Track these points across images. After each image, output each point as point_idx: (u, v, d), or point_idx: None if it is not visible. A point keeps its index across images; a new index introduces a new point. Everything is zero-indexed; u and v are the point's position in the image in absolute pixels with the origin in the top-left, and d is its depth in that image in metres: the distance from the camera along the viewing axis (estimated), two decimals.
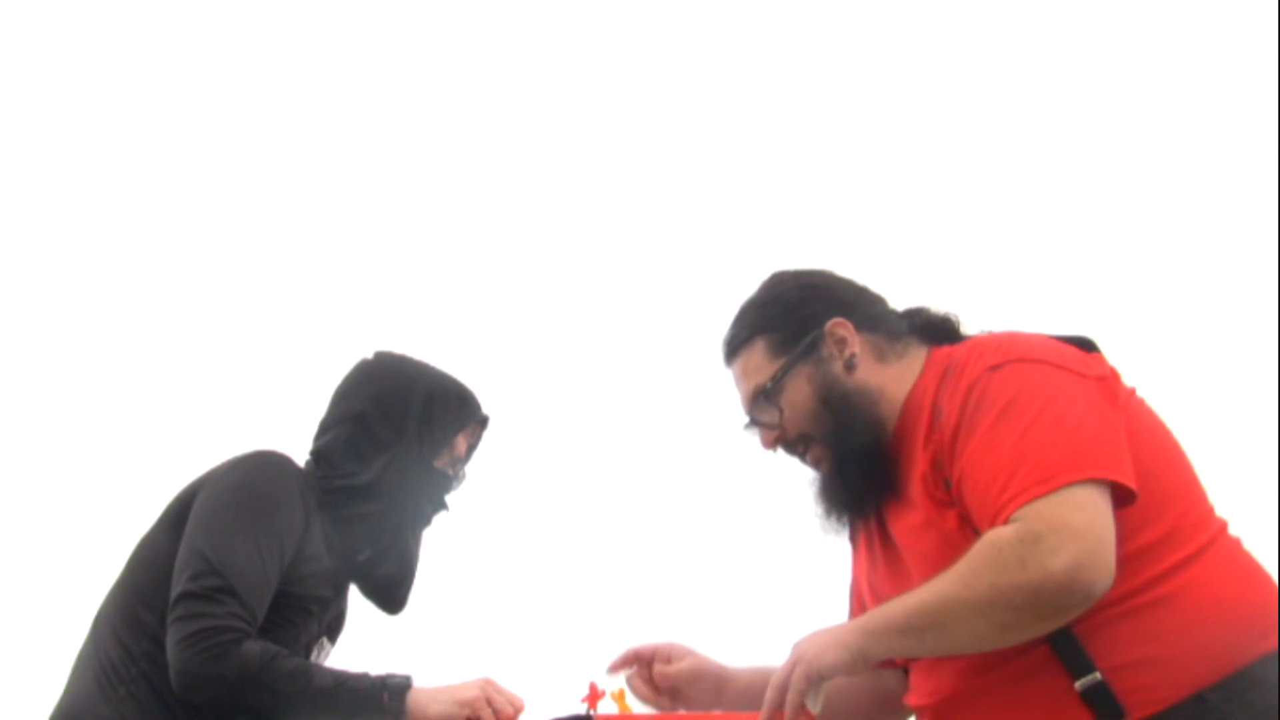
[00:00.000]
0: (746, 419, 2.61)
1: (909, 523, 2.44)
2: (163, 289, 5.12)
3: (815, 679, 2.35)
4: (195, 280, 5.13)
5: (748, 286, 2.72)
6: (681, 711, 2.80)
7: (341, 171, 5.21)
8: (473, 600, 4.53)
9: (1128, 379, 2.48)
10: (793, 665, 2.38)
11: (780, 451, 2.62)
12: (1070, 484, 2.24)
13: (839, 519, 2.58)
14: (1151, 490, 2.32)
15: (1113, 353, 2.52)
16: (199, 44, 5.22)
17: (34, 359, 5.01)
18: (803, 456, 2.60)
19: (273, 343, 4.91)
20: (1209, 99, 5.01)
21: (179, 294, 5.11)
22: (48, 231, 5.13)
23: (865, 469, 2.50)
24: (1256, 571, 2.40)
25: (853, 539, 2.66)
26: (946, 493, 2.38)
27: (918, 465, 2.42)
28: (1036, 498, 2.23)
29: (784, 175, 5.13)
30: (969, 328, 2.60)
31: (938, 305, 2.63)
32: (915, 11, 5.21)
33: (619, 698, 2.72)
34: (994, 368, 2.37)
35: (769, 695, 2.40)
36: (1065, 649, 2.29)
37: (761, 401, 2.57)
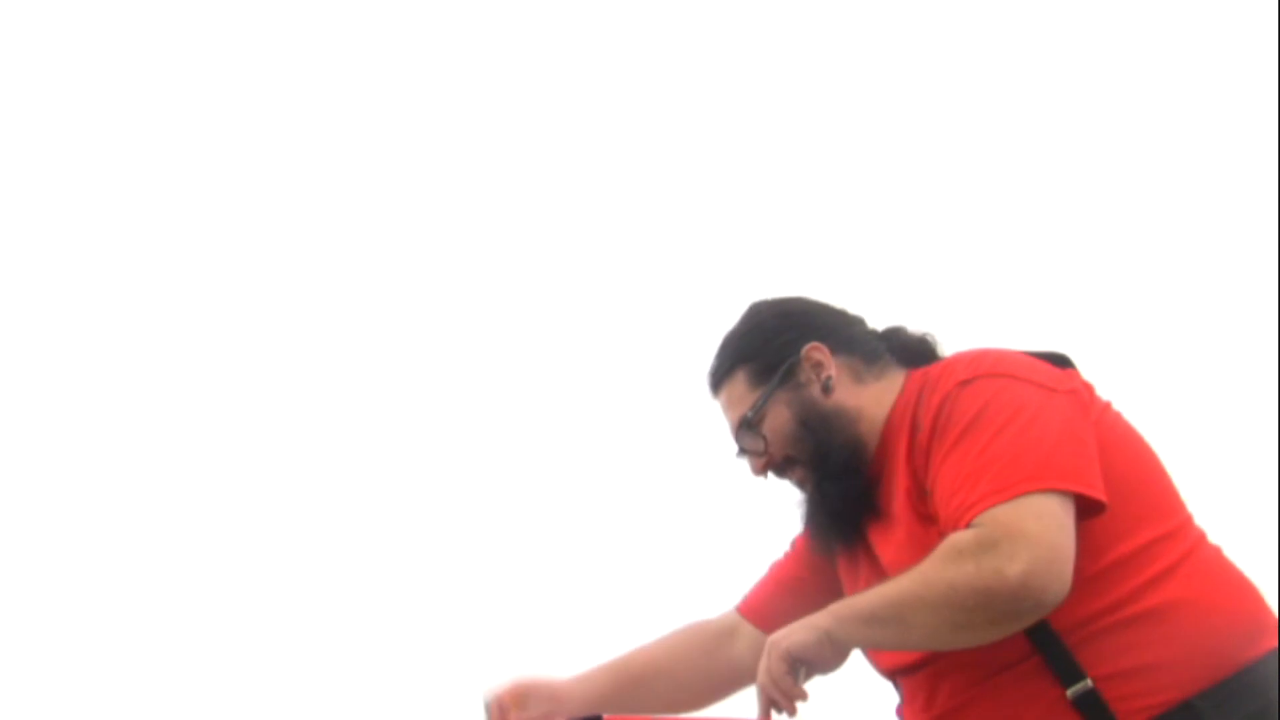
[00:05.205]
0: (736, 448, 2.69)
1: (894, 540, 2.51)
2: (140, 289, 5.09)
3: (789, 659, 2.39)
4: (174, 280, 5.11)
5: (747, 290, 2.75)
6: (681, 713, 2.81)
7: (330, 168, 5.19)
8: (462, 603, 4.52)
9: (1102, 393, 2.54)
10: (767, 658, 2.42)
11: (771, 477, 2.69)
12: (1029, 493, 2.31)
13: (825, 541, 2.66)
14: (1127, 502, 2.38)
15: (1110, 354, 2.53)
16: (189, 43, 5.21)
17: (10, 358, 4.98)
18: (793, 479, 2.68)
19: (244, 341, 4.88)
20: (1209, 101, 5.00)
21: (156, 293, 5.09)
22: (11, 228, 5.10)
23: (844, 487, 2.58)
24: (1237, 579, 2.47)
25: (839, 557, 2.71)
26: (930, 508, 2.45)
27: (901, 483, 2.51)
28: (995, 505, 2.30)
29: (774, 179, 5.13)
30: (945, 348, 2.68)
31: (914, 326, 2.72)
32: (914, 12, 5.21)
33: None
34: (964, 383, 2.45)
35: (761, 699, 2.43)
36: (1056, 658, 2.36)
37: (746, 430, 2.65)
